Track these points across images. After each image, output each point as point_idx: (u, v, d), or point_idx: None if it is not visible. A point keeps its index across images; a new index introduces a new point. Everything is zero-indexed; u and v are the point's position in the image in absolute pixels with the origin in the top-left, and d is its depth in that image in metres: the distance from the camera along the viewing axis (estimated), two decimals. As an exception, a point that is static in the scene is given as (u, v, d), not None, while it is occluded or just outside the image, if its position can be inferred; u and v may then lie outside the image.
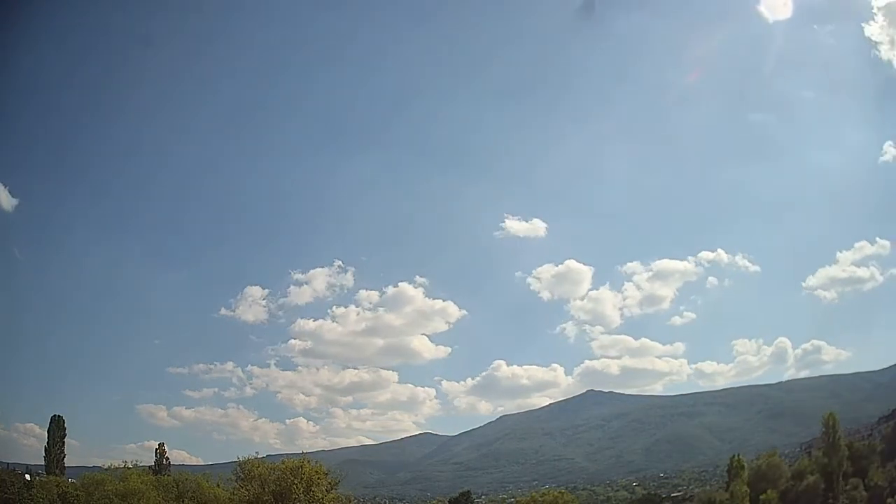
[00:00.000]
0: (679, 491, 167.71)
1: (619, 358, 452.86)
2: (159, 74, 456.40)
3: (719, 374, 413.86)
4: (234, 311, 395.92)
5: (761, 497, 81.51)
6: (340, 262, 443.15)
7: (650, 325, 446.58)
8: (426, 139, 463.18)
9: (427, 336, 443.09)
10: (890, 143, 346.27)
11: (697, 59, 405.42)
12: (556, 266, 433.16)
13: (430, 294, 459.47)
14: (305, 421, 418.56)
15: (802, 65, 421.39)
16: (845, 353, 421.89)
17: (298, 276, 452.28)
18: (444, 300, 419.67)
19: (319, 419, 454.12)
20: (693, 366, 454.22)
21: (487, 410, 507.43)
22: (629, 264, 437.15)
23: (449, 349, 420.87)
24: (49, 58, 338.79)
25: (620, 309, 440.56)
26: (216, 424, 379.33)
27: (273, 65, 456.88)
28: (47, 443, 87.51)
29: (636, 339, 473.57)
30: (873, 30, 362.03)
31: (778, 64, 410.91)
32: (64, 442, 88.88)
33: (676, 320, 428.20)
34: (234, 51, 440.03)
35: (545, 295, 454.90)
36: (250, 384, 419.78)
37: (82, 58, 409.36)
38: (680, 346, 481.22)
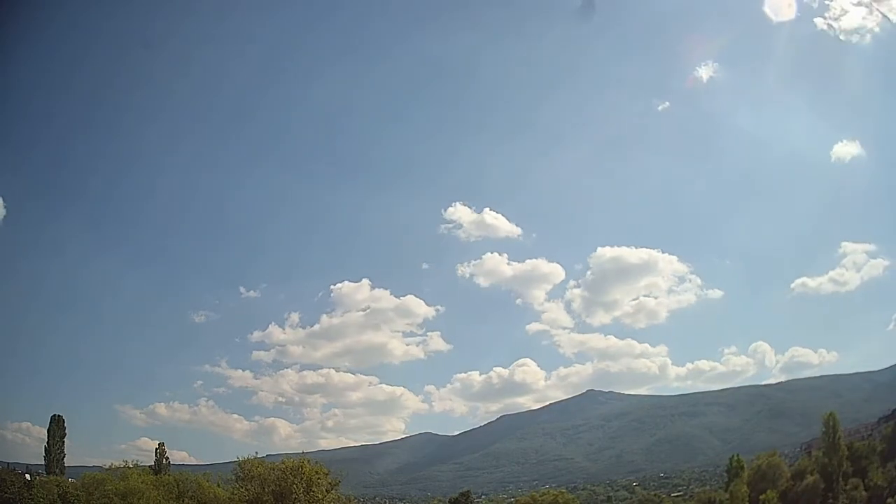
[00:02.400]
0: (679, 491, 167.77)
1: (593, 361, 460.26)
2: (156, 77, 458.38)
3: (699, 376, 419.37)
4: (207, 315, 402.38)
5: (761, 497, 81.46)
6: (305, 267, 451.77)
7: (630, 328, 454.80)
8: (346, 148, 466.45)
9: (399, 337, 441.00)
10: (849, 142, 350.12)
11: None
12: (523, 264, 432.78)
13: (396, 294, 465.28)
14: (283, 421, 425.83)
15: (798, 69, 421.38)
16: (830, 355, 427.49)
17: (263, 281, 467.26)
18: (402, 297, 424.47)
19: (296, 419, 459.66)
20: (676, 368, 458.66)
21: (464, 411, 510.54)
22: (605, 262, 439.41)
23: (422, 351, 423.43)
24: (39, 60, 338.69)
25: (594, 309, 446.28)
26: (194, 424, 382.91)
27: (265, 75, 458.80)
28: (47, 443, 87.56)
29: (617, 339, 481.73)
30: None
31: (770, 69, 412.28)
32: (64, 442, 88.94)
33: (658, 323, 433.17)
34: (231, 54, 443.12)
35: (513, 293, 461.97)
36: (224, 385, 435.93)
37: (74, 61, 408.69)
38: (663, 349, 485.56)
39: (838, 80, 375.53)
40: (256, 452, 55.82)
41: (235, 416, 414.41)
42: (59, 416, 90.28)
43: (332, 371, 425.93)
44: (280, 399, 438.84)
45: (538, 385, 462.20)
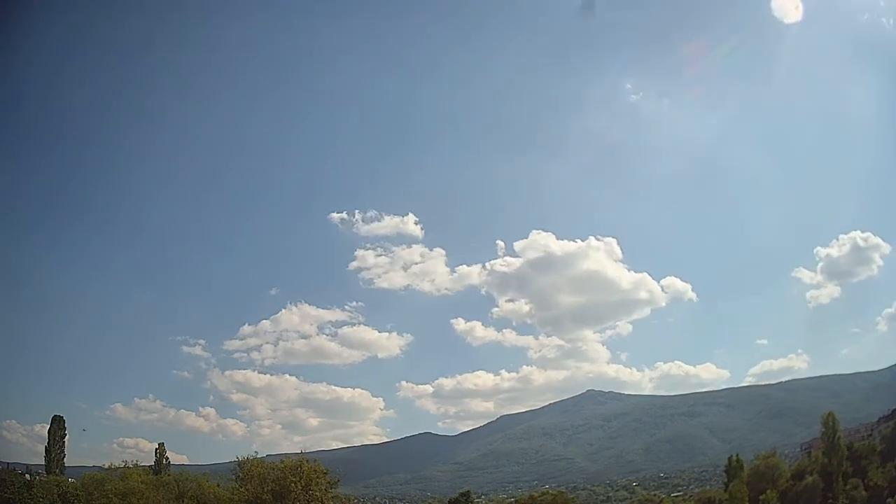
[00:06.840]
0: (679, 491, 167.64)
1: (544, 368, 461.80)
2: (160, 81, 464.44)
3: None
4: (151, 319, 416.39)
5: (761, 497, 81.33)
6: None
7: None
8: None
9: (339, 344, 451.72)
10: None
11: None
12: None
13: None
14: (236, 422, 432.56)
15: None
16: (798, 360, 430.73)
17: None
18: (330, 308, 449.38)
19: (246, 420, 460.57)
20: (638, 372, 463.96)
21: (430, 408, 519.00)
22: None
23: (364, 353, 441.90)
24: (45, 68, 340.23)
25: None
26: (157, 423, 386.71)
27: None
28: (47, 443, 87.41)
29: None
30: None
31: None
32: (64, 442, 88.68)
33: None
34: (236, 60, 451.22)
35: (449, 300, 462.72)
36: (175, 386, 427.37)
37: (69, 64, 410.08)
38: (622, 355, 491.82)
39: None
40: (256, 452, 55.95)
41: (189, 413, 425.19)
42: (59, 416, 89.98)
43: (286, 376, 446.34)
44: (230, 400, 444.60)
45: (488, 389, 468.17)
